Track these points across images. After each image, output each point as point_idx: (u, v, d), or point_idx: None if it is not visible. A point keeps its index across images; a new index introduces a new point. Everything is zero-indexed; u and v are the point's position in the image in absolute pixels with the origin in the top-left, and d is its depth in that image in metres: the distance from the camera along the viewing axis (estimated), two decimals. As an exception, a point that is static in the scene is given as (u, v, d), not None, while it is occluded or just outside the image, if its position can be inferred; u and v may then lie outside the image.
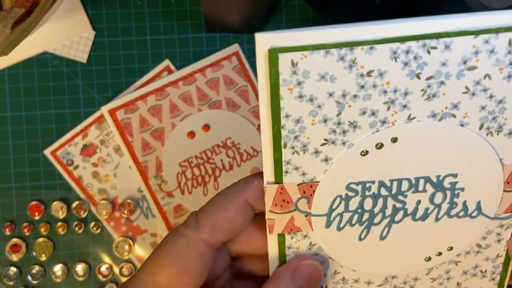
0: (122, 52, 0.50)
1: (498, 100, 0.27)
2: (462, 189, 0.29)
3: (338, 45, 0.25)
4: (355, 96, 0.26)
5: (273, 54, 0.25)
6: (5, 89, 0.50)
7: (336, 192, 0.29)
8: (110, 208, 0.50)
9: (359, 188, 0.29)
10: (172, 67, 0.51)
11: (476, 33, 0.25)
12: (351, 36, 0.25)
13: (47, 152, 0.50)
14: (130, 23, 0.51)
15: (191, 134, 0.50)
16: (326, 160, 0.28)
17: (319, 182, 0.28)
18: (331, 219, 0.29)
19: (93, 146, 0.50)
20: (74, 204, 0.50)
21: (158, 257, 0.30)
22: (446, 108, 0.27)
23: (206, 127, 0.51)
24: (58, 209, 0.50)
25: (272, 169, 0.28)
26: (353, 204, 0.29)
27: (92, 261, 0.50)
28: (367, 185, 0.29)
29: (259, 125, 0.51)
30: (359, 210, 0.29)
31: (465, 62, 0.26)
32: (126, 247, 0.50)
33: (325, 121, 0.27)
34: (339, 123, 0.27)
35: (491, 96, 0.27)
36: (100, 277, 0.50)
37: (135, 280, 0.30)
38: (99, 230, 0.50)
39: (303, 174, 0.28)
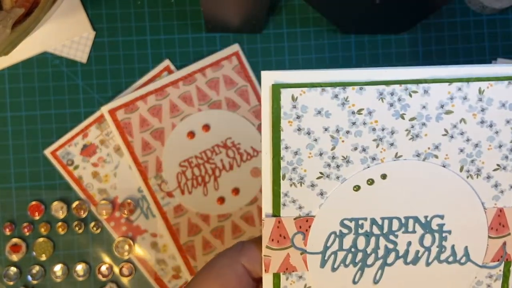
0: (122, 52, 0.50)
1: (474, 143, 0.30)
2: (449, 232, 0.31)
3: (333, 84, 0.28)
4: (347, 132, 0.29)
5: (276, 89, 0.28)
6: (5, 89, 0.50)
7: (331, 228, 0.30)
8: (110, 208, 0.50)
9: (352, 225, 0.30)
10: (172, 67, 0.51)
11: (450, 81, 0.29)
12: (344, 77, 0.28)
13: (47, 152, 0.50)
14: (130, 23, 0.51)
15: (191, 134, 0.50)
16: (321, 194, 0.30)
17: (314, 216, 0.30)
18: (326, 257, 0.31)
19: (93, 146, 0.50)
20: (74, 204, 0.50)
21: (202, 274, 0.31)
22: (429, 148, 0.30)
23: (206, 127, 0.51)
24: (58, 209, 0.50)
25: (271, 201, 0.30)
26: (347, 242, 0.31)
27: (92, 261, 0.50)
28: (360, 222, 0.30)
29: (259, 125, 0.51)
30: (353, 249, 0.31)
31: (442, 106, 0.29)
32: (126, 247, 0.50)
33: (320, 154, 0.29)
34: (333, 157, 0.29)
35: (467, 140, 0.30)
36: (100, 277, 0.50)
37: None
38: (99, 230, 0.50)
39: (300, 207, 0.30)
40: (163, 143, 0.50)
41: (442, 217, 0.31)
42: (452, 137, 0.29)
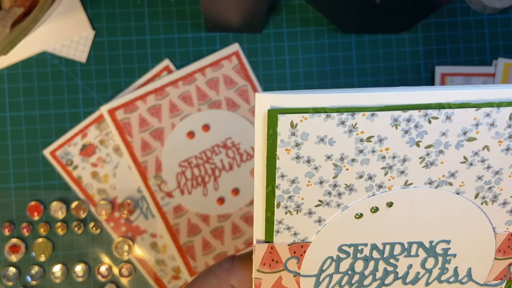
0: (122, 51, 0.50)
1: (495, 171, 0.27)
2: (454, 255, 0.29)
3: (340, 110, 0.25)
4: (353, 160, 0.26)
5: (273, 114, 0.25)
6: (4, 89, 0.50)
7: (328, 253, 0.29)
8: (110, 208, 0.50)
9: (351, 250, 0.29)
10: (172, 66, 0.51)
11: (478, 106, 0.25)
12: (354, 101, 0.25)
13: (46, 152, 0.50)
14: (129, 22, 0.50)
15: (191, 134, 0.50)
16: (319, 221, 0.28)
17: (310, 242, 0.28)
18: (320, 279, 0.29)
19: (93, 146, 0.50)
20: (74, 205, 0.49)
21: None
22: (443, 176, 0.27)
23: (206, 127, 0.50)
24: (58, 210, 0.49)
25: (263, 228, 0.28)
26: (344, 265, 0.29)
27: (92, 262, 0.50)
28: (360, 247, 0.29)
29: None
30: (349, 272, 0.29)
31: (465, 133, 0.26)
32: (126, 247, 0.50)
33: (321, 182, 0.27)
34: (335, 186, 0.27)
35: (488, 167, 0.27)
36: (99, 277, 0.50)
37: None
38: (98, 231, 0.50)
39: (295, 234, 0.28)
40: (162, 143, 0.50)
41: (448, 242, 0.29)
42: (471, 164, 0.27)
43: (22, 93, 0.50)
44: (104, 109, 0.49)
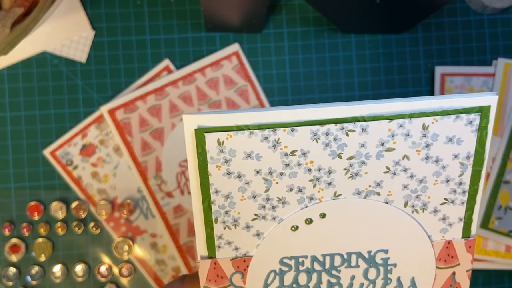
0: (122, 51, 0.50)
1: (419, 179, 0.29)
2: (395, 265, 0.30)
3: (261, 127, 0.27)
4: (281, 174, 0.28)
5: (200, 133, 0.27)
6: (4, 89, 0.50)
7: (270, 267, 0.30)
8: (110, 208, 0.50)
9: (292, 262, 0.30)
10: (172, 66, 0.51)
11: (390, 117, 0.27)
12: (273, 118, 0.27)
13: (46, 152, 0.50)
14: (129, 22, 0.50)
15: (191, 134, 0.50)
16: (258, 234, 0.29)
17: (252, 256, 0.30)
18: None
19: (93, 146, 0.50)
20: (74, 205, 0.49)
21: None
22: (370, 186, 0.29)
23: (206, 127, 0.50)
24: (58, 209, 0.49)
25: (204, 244, 0.29)
26: (288, 279, 0.30)
27: (92, 262, 0.50)
28: (300, 259, 0.30)
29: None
30: (294, 285, 0.30)
31: (382, 144, 0.28)
32: (126, 247, 0.50)
33: (254, 196, 0.28)
34: (268, 199, 0.29)
35: (412, 176, 0.29)
36: (99, 277, 0.50)
37: None
38: (98, 231, 0.50)
39: (236, 248, 0.30)
40: (162, 143, 0.50)
41: (386, 251, 0.30)
42: (394, 174, 0.28)
43: (22, 93, 0.50)
44: (104, 109, 0.49)
